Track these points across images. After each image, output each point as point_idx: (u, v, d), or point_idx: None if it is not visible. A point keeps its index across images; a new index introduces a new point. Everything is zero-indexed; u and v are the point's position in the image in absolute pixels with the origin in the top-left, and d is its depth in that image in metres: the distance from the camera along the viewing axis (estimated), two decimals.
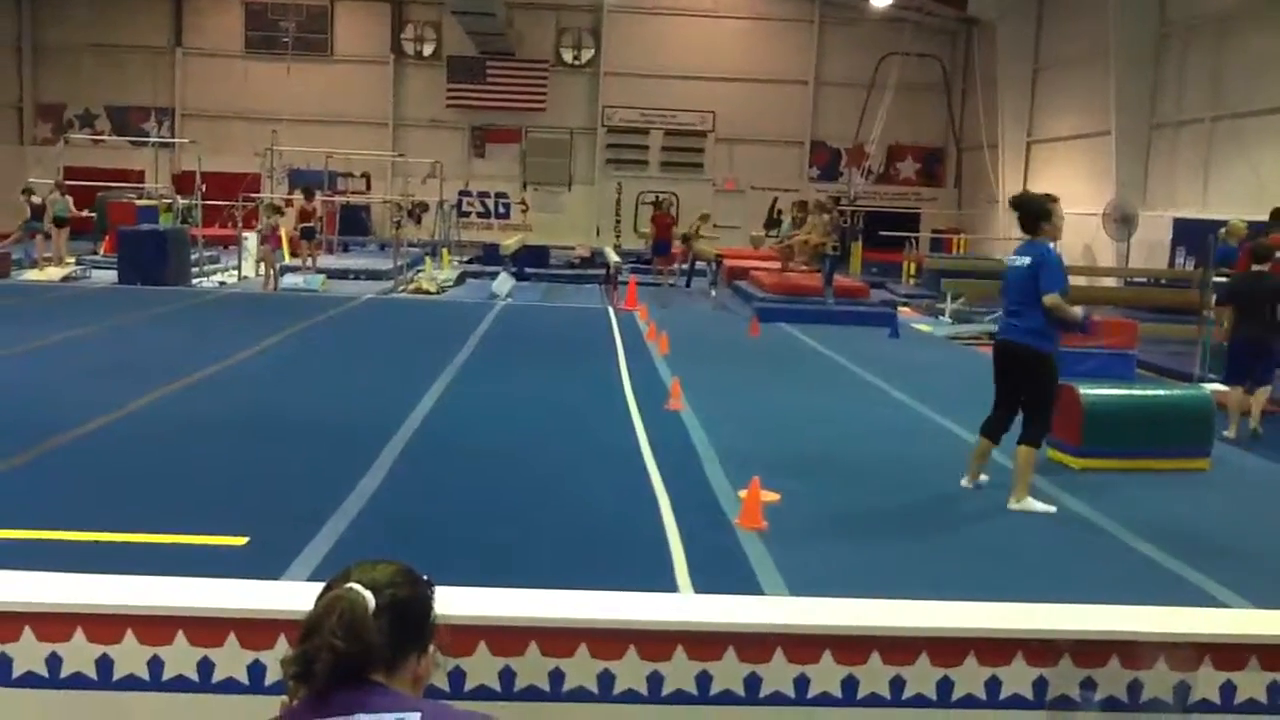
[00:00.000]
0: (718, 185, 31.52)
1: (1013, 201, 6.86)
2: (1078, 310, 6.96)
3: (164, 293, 16.55)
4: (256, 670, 2.56)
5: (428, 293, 19.13)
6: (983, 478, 7.08)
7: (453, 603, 2.31)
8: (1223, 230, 13.17)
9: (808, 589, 4.75)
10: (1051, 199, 6.69)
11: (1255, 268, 9.70)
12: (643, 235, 26.12)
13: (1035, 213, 6.62)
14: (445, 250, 24.06)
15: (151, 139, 27.34)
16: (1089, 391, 7.74)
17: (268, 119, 27.65)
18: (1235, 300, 9.69)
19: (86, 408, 8.21)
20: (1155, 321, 14.58)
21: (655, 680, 2.62)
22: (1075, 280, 21.44)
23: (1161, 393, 8.75)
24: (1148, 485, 7.38)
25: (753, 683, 2.64)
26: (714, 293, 20.48)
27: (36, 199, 20.01)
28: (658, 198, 25.72)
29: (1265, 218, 13.71)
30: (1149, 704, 2.73)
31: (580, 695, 2.61)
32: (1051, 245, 6.67)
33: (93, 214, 22.78)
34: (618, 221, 31.67)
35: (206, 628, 2.56)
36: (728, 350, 13.28)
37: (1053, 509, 6.68)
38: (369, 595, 1.85)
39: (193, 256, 19.40)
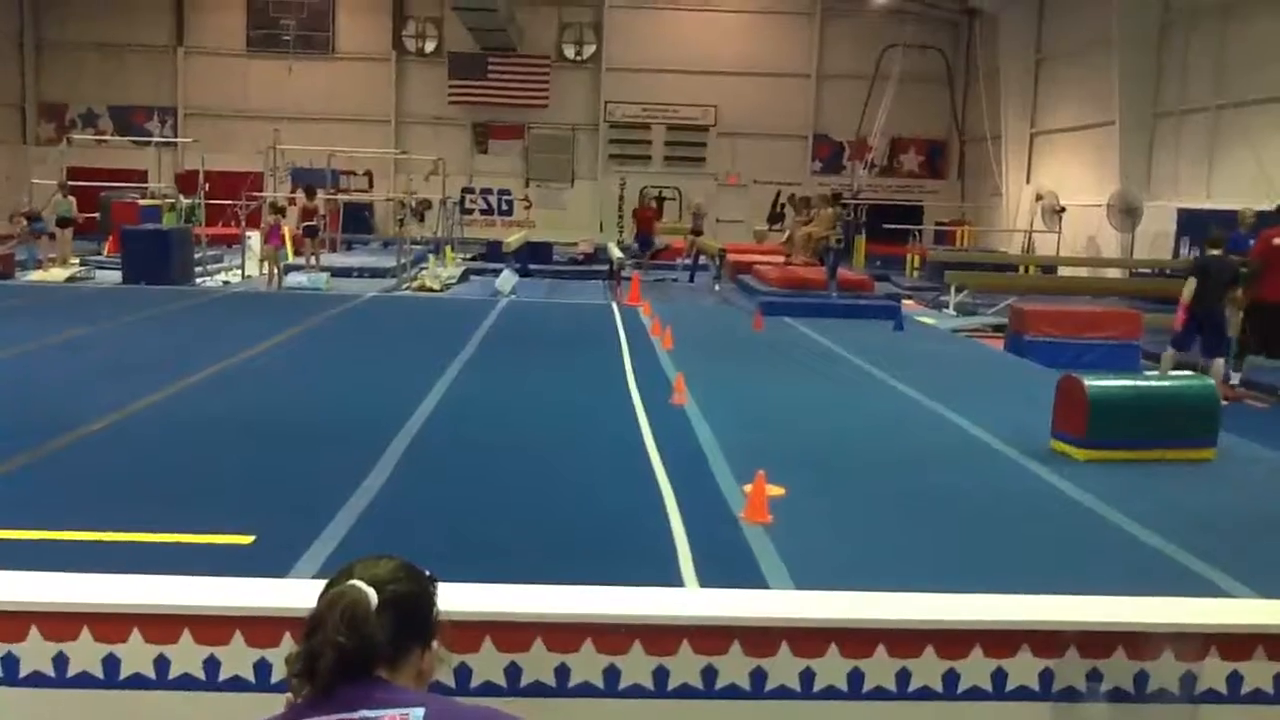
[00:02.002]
0: (720, 179, 31.51)
1: None
2: None
3: (168, 292, 16.55)
4: (263, 668, 2.56)
5: (431, 290, 19.12)
6: None
7: (458, 599, 2.32)
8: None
9: (813, 583, 4.75)
10: None
11: (1212, 252, 11.19)
12: None
13: None
14: (448, 248, 24.06)
15: (154, 138, 27.37)
16: (1093, 382, 7.72)
17: (270, 117, 27.65)
18: (1197, 275, 11.12)
19: (91, 407, 8.22)
20: (1160, 312, 14.54)
21: (661, 675, 2.62)
22: (1078, 272, 21.63)
23: (1166, 383, 8.73)
24: (1153, 476, 7.36)
25: (759, 677, 2.65)
26: (717, 287, 20.48)
27: (27, 207, 20.11)
28: (660, 193, 25.75)
29: (1269, 207, 13.72)
30: (1155, 695, 2.73)
31: (586, 691, 2.62)
32: None
33: (96, 214, 22.80)
34: (620, 217, 31.65)
35: (212, 626, 2.56)
36: (732, 344, 13.27)
37: None
38: (371, 591, 1.85)
39: (196, 256, 19.41)
